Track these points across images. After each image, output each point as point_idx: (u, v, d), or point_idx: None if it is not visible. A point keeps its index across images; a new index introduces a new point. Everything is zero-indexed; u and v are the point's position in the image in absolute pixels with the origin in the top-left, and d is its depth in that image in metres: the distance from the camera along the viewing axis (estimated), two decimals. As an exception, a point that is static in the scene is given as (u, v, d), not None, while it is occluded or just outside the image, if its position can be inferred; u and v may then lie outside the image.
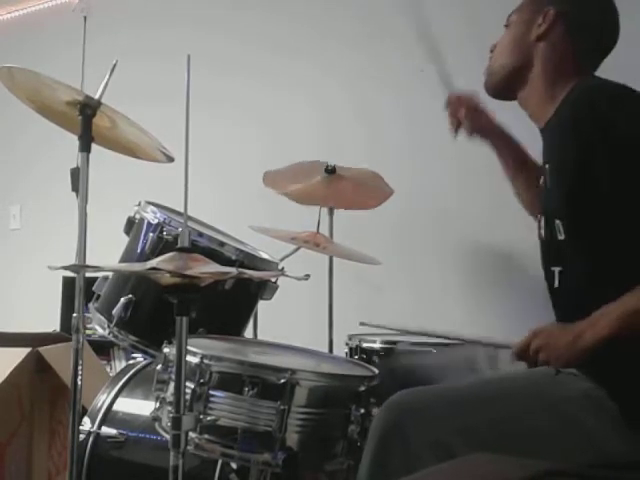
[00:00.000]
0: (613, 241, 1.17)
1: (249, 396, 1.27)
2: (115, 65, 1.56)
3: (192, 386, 1.28)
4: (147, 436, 1.63)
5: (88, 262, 1.56)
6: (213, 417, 1.28)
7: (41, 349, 1.92)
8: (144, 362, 1.83)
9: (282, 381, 1.26)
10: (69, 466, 1.50)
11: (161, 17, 3.22)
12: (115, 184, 2.86)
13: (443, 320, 2.30)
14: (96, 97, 1.55)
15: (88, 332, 1.84)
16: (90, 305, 1.82)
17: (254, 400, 1.27)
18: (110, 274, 1.84)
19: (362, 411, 1.32)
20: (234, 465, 1.49)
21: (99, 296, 1.83)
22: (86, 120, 1.55)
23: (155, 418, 1.38)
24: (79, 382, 1.52)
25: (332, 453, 1.32)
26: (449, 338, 1.39)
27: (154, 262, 1.14)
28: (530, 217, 1.57)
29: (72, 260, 1.56)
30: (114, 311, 1.70)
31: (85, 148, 1.56)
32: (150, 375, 1.46)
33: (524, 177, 1.55)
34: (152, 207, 1.77)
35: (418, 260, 2.53)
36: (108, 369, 2.95)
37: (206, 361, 1.30)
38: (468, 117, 1.56)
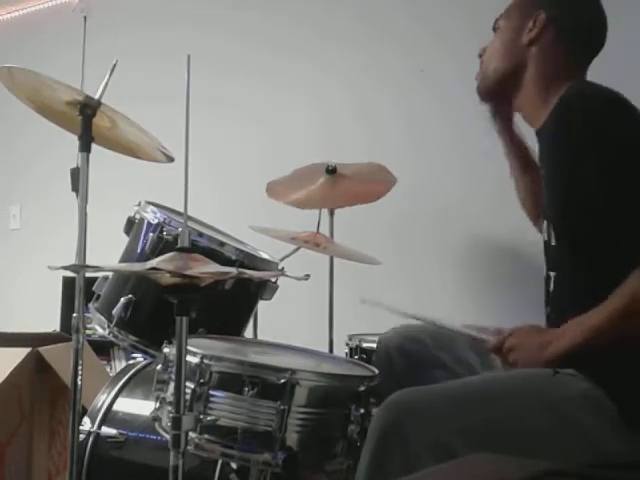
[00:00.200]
0: (598, 248, 1.17)
1: (249, 396, 1.27)
2: (115, 65, 1.56)
3: (192, 386, 1.28)
4: (147, 436, 1.63)
5: (88, 262, 1.56)
6: (213, 417, 1.28)
7: (41, 349, 1.92)
8: (144, 362, 1.83)
9: (282, 381, 1.26)
10: (69, 466, 1.50)
11: (161, 17, 3.23)
12: (115, 184, 2.87)
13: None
14: (96, 97, 1.55)
15: (88, 332, 1.84)
16: (90, 305, 1.82)
17: (254, 400, 1.27)
18: (110, 274, 1.84)
19: (362, 411, 1.32)
20: (234, 465, 1.49)
21: (99, 296, 1.83)
22: (86, 120, 1.55)
23: (155, 418, 1.38)
24: (79, 382, 1.52)
25: (332, 453, 1.32)
26: (436, 325, 1.41)
27: (154, 262, 1.14)
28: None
29: (72, 260, 1.57)
30: (114, 311, 1.70)
31: (85, 148, 1.56)
32: (150, 375, 1.45)
33: (529, 179, 1.55)
34: (152, 207, 1.77)
35: (418, 260, 2.53)
36: (108, 369, 2.95)
37: (206, 361, 1.30)
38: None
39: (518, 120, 1.49)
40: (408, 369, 1.44)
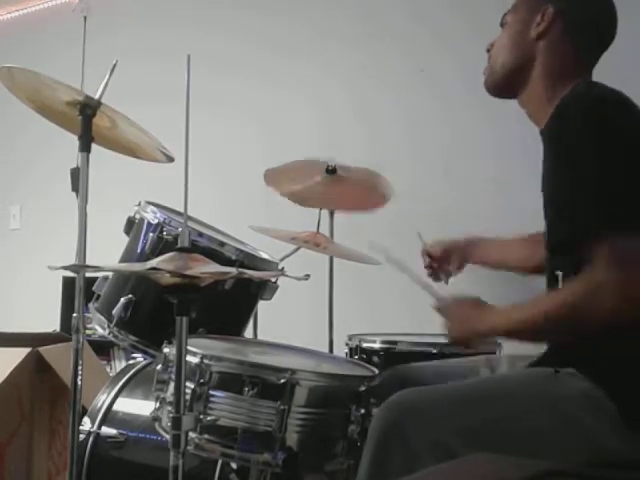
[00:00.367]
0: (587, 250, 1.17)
1: (249, 396, 1.27)
2: (115, 65, 1.56)
3: (192, 386, 1.28)
4: (147, 436, 1.63)
5: (88, 262, 1.56)
6: (213, 417, 1.28)
7: (41, 349, 1.93)
8: (144, 362, 1.83)
9: (282, 381, 1.26)
10: (69, 466, 1.50)
11: (161, 17, 3.23)
12: (115, 184, 2.87)
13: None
14: (96, 97, 1.55)
15: (88, 332, 1.84)
16: (90, 305, 1.82)
17: (254, 400, 1.27)
18: (110, 274, 1.84)
19: (362, 411, 1.32)
20: (234, 465, 1.49)
21: (99, 296, 1.83)
22: (86, 120, 1.55)
23: (155, 418, 1.38)
24: (79, 382, 1.52)
25: (332, 453, 1.32)
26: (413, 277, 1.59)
27: (154, 262, 1.14)
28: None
29: (72, 260, 1.56)
30: (114, 311, 1.70)
31: (85, 148, 1.56)
32: (150, 375, 1.45)
33: (519, 262, 1.69)
34: (152, 207, 1.77)
35: (418, 260, 2.53)
36: (108, 369, 2.95)
37: (206, 361, 1.30)
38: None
39: (522, 118, 1.48)
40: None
